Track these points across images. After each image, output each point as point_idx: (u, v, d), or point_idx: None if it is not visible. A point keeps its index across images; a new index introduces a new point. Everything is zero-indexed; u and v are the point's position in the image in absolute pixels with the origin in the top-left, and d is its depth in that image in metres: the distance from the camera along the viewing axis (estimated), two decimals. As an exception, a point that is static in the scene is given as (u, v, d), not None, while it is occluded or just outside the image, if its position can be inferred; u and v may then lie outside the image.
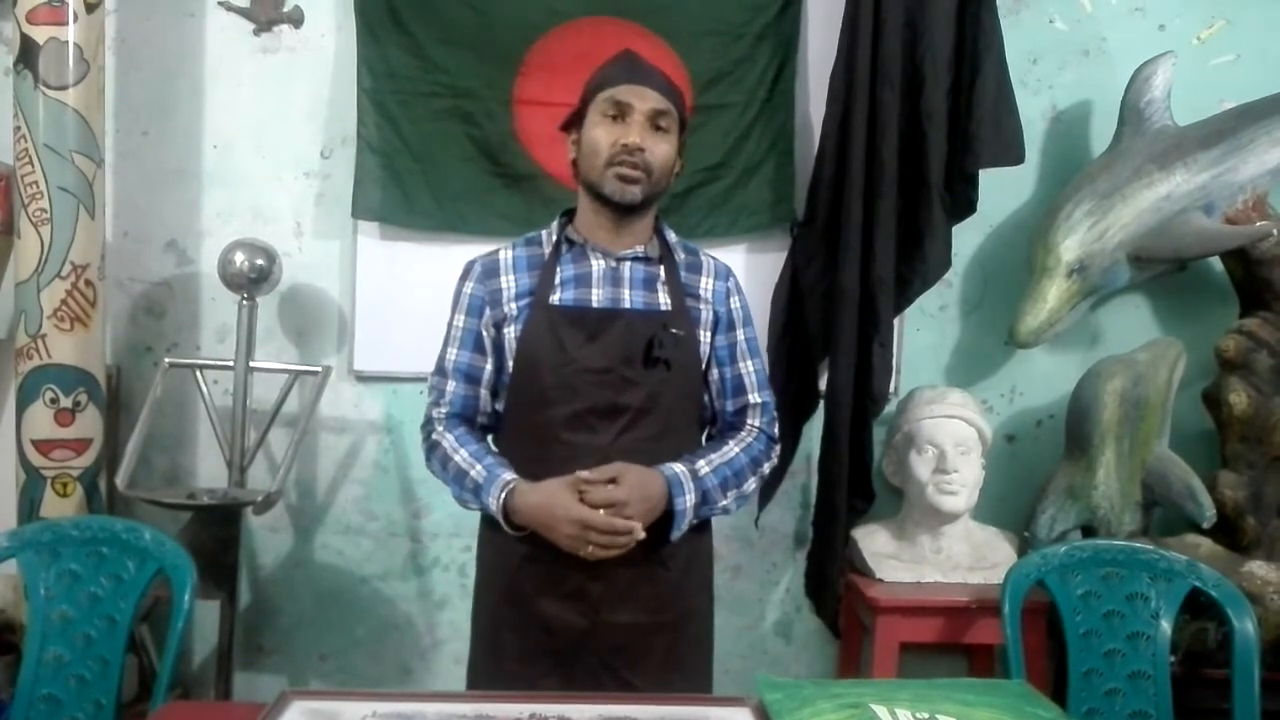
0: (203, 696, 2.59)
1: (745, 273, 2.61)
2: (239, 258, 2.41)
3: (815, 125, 2.57)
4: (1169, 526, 2.50)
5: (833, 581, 2.50)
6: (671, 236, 1.78)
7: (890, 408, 2.56)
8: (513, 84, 2.54)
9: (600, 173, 1.65)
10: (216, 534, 2.35)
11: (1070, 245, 2.46)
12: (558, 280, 1.69)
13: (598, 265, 1.70)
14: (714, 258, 1.81)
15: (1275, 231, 2.44)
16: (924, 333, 2.69)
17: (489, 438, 1.77)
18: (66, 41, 2.24)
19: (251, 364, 2.46)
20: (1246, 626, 1.81)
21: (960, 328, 2.71)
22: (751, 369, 1.78)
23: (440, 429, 1.71)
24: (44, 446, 2.28)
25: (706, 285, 1.75)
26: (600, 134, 1.65)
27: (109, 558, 1.82)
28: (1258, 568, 2.26)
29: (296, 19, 2.63)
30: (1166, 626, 1.91)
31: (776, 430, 1.80)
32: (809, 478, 2.66)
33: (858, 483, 2.49)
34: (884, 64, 2.40)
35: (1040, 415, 2.71)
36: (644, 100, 1.65)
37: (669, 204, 2.56)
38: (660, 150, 1.66)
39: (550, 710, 1.34)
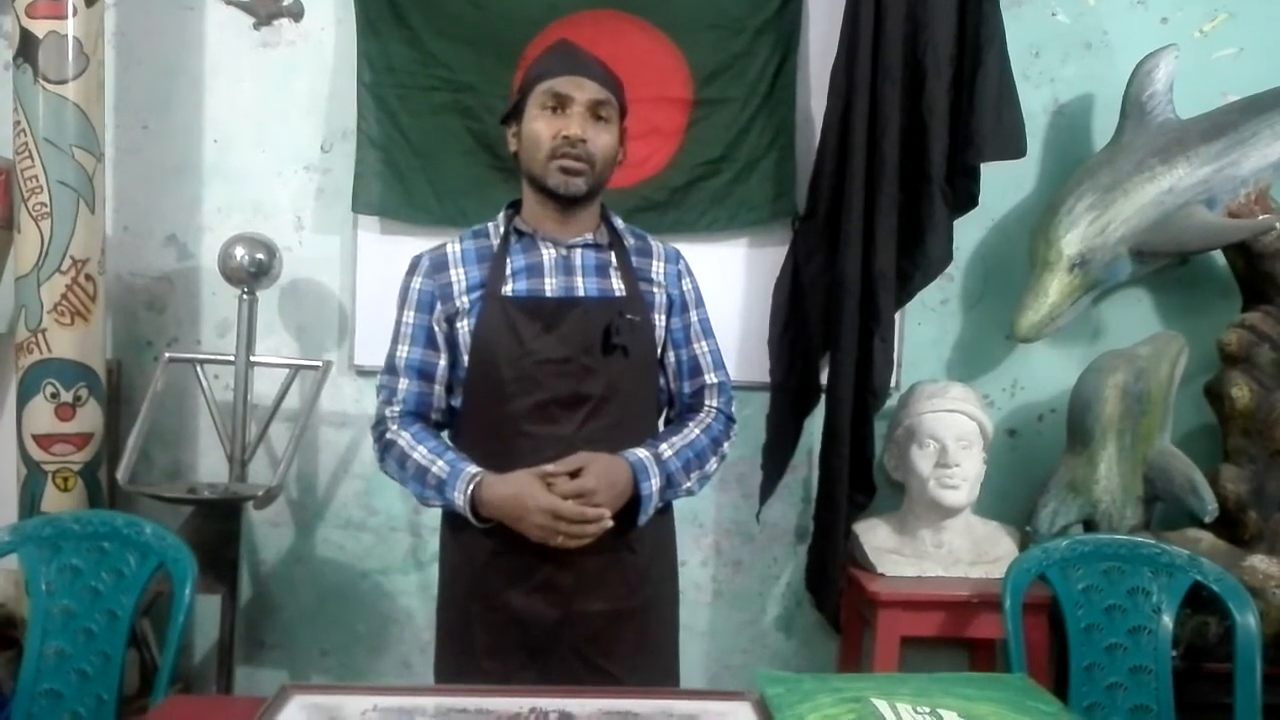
0: (204, 691, 2.60)
1: (746, 267, 2.64)
2: (239, 252, 2.41)
3: (816, 119, 2.56)
4: (1170, 521, 2.50)
5: (834, 576, 2.49)
6: (619, 222, 1.77)
7: (891, 402, 2.55)
8: (512, 78, 2.52)
9: (543, 165, 1.64)
10: (217, 529, 2.35)
11: (1072, 239, 2.45)
12: (509, 271, 1.68)
13: (548, 254, 1.69)
14: (663, 242, 1.81)
15: (1278, 225, 2.43)
16: (925, 327, 2.69)
17: (444, 434, 1.74)
18: (66, 35, 2.23)
19: (252, 359, 2.46)
20: (1248, 621, 1.82)
21: (961, 322, 2.71)
22: (707, 349, 1.78)
23: (395, 428, 1.68)
24: (45, 441, 2.28)
25: (658, 269, 1.75)
26: (541, 126, 1.64)
27: (110, 552, 1.82)
28: (1259, 562, 2.25)
29: (296, 13, 2.63)
30: (1168, 621, 1.91)
31: (734, 409, 1.80)
32: (810, 472, 2.66)
33: (859, 477, 2.49)
34: (885, 58, 2.39)
35: (1042, 410, 2.71)
36: (583, 91, 1.64)
37: (670, 199, 2.56)
38: (602, 140, 1.66)
39: (551, 705, 1.34)
